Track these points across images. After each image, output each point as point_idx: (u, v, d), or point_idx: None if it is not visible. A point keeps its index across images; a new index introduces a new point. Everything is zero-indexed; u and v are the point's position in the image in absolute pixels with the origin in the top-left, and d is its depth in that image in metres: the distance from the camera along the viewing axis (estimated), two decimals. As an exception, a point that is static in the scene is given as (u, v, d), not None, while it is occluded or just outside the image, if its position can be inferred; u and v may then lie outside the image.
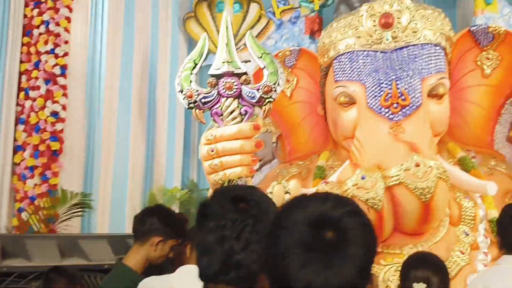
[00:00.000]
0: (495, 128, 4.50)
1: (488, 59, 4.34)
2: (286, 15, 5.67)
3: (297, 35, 5.63)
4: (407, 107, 3.80)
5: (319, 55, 4.72)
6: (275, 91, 4.01)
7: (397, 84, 3.82)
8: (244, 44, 4.10)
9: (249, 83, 4.08)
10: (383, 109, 3.86)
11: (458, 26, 5.06)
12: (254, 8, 5.92)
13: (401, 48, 4.01)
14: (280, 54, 4.87)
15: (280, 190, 3.62)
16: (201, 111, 4.09)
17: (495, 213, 3.78)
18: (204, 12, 5.95)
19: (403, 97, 3.80)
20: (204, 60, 4.10)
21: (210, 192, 4.65)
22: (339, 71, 4.29)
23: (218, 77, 4.07)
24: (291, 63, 4.88)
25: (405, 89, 3.81)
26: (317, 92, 4.79)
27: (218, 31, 4.13)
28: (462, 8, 5.73)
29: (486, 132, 4.43)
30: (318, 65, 4.71)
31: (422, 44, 3.98)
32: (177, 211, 5.59)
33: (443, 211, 3.58)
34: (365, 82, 4.03)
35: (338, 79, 4.29)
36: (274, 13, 5.69)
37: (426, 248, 3.56)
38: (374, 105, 3.92)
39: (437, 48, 4.01)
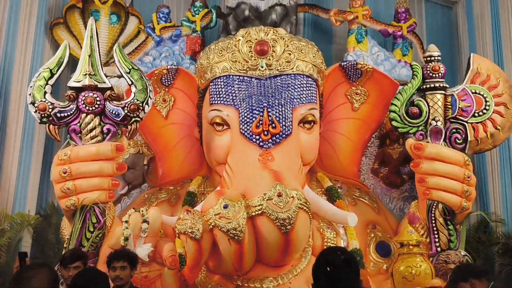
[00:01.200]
0: (361, 160, 4.70)
1: (357, 94, 4.54)
2: (166, 33, 5.45)
3: (177, 54, 5.44)
4: (277, 135, 3.77)
5: (197, 76, 4.55)
6: (142, 110, 3.72)
7: (269, 112, 3.80)
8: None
9: (115, 99, 3.75)
10: (254, 135, 3.79)
11: (334, 61, 5.27)
12: (132, 21, 5.60)
13: (275, 76, 4.02)
14: (156, 72, 4.58)
15: (137, 218, 3.31)
16: (56, 127, 3.66)
17: (356, 244, 3.87)
18: (76, 19, 5.48)
19: (273, 125, 3.77)
20: (63, 70, 3.68)
21: (64, 220, 4.15)
22: (215, 94, 4.17)
23: (78, 90, 3.68)
24: (169, 82, 4.62)
25: (276, 117, 3.79)
26: (195, 114, 4.60)
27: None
28: (337, 44, 6.06)
29: (353, 163, 4.59)
30: (196, 86, 4.54)
31: (295, 74, 4.02)
32: (29, 239, 4.92)
33: (305, 242, 3.56)
34: (239, 107, 3.95)
35: (213, 102, 4.16)
36: (153, 29, 5.43)
37: (286, 281, 3.48)
38: (246, 131, 3.83)
39: (309, 79, 4.08)
